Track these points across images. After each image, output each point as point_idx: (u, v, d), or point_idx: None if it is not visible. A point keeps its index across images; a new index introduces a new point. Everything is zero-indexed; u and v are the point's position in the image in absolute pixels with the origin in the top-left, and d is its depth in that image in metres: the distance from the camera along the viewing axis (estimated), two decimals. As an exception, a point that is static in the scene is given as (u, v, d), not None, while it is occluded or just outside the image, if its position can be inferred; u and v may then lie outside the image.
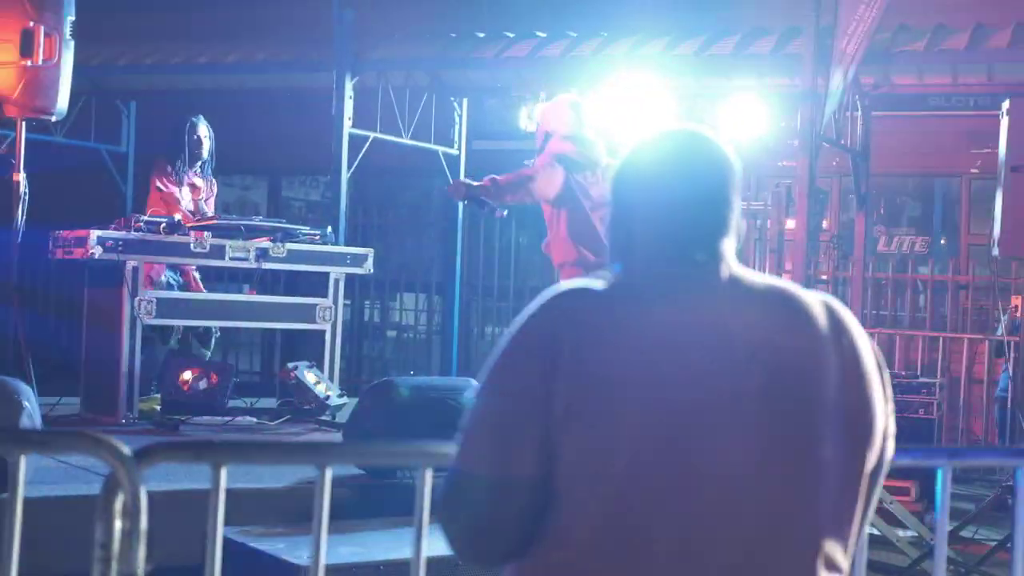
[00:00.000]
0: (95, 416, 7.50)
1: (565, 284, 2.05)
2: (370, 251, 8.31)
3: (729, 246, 2.10)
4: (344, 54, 10.70)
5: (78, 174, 12.77)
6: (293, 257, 7.94)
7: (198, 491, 5.13)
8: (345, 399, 7.79)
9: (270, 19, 12.33)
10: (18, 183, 7.51)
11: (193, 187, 8.23)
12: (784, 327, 2.02)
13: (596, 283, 2.05)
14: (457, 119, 12.16)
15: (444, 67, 11.21)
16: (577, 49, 10.37)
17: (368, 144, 10.83)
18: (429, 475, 2.43)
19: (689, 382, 1.94)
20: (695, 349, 1.96)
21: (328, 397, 7.69)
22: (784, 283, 2.10)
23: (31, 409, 5.13)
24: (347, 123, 10.63)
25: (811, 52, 9.14)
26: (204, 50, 12.10)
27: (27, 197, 7.50)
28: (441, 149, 11.89)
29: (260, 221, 7.95)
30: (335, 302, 8.11)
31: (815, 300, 2.07)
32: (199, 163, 8.29)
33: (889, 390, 2.13)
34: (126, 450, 2.28)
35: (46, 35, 7.31)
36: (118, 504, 2.28)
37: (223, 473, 2.34)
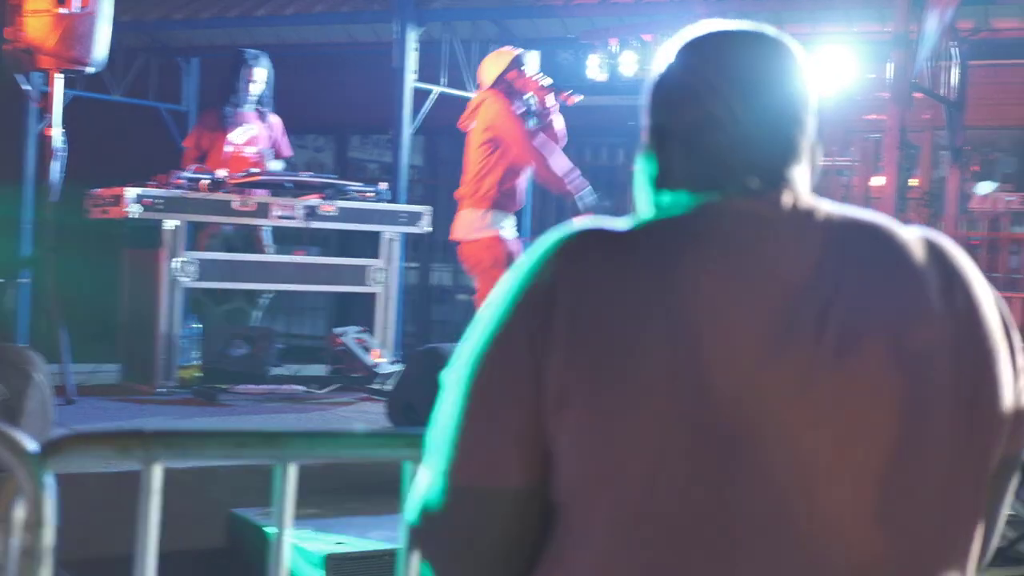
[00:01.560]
0: (132, 384, 7.09)
1: (574, 223, 1.52)
2: (427, 208, 7.79)
3: (800, 175, 1.55)
4: (406, 3, 10.16)
5: (137, 133, 12.46)
6: (344, 216, 7.45)
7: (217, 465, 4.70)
8: (398, 366, 7.30)
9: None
10: (50, 138, 7.08)
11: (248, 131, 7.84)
12: (872, 276, 1.46)
13: (615, 222, 1.51)
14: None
15: (511, 16, 10.62)
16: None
17: (434, 99, 10.29)
18: (423, 474, 1.92)
19: (734, 354, 1.39)
20: (744, 308, 1.41)
21: (378, 364, 7.21)
22: (874, 216, 1.53)
23: (40, 380, 4.69)
24: (410, 77, 10.09)
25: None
26: (263, 2, 11.63)
27: (65, 153, 7.08)
28: (511, 104, 11.35)
29: (309, 177, 7.46)
30: (388, 264, 7.61)
31: (916, 238, 1.51)
32: (251, 104, 7.87)
33: (1022, 358, 1.54)
34: (28, 445, 1.78)
35: (81, -21, 6.86)
36: (18, 513, 1.79)
37: (157, 472, 1.83)
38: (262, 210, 7.19)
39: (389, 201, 7.75)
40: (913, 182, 12.28)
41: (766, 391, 1.38)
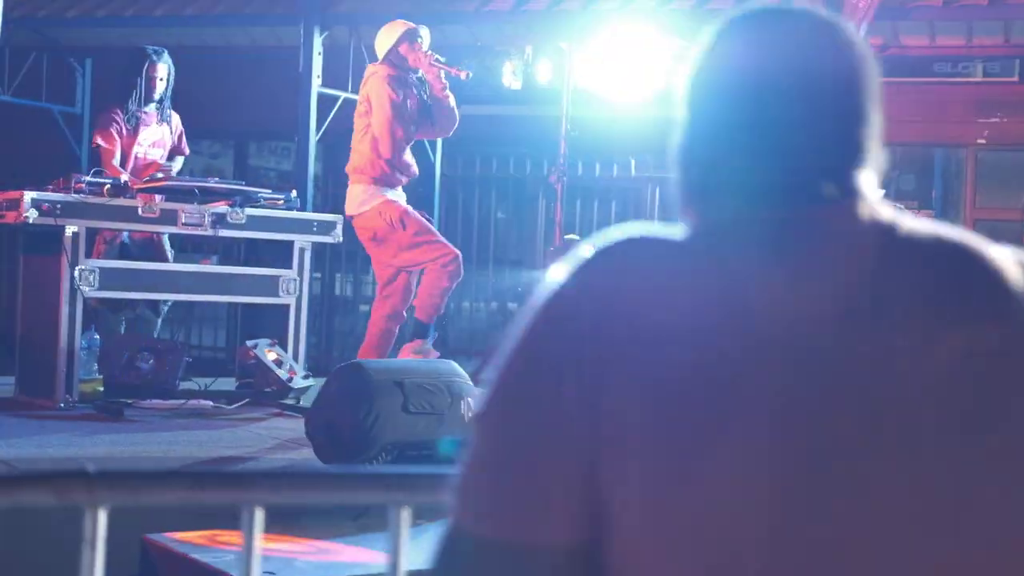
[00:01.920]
0: (31, 399, 6.75)
1: (614, 232, 1.32)
2: (339, 218, 7.54)
3: (870, 182, 1.36)
4: (311, 6, 9.89)
5: (28, 136, 12.01)
6: (253, 224, 7.17)
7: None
8: (311, 381, 7.04)
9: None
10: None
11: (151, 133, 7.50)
12: (968, 302, 1.29)
13: (663, 230, 1.32)
14: (434, 80, 11.40)
15: (419, 22, 10.38)
16: (565, 2, 9.59)
17: (339, 106, 10.03)
18: (406, 518, 1.70)
19: (824, 390, 1.21)
20: (831, 336, 1.23)
21: (291, 379, 6.95)
22: (961, 233, 1.35)
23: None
24: (316, 82, 9.83)
25: (820, 6, 8.41)
26: (160, 1, 11.27)
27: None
28: (417, 112, 11.11)
29: (217, 183, 7.15)
30: (300, 274, 7.35)
31: (1010, 260, 1.33)
32: (154, 104, 7.55)
33: None
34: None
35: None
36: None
37: (102, 518, 1.60)
38: (168, 217, 6.89)
39: (299, 209, 7.49)
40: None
41: (858, 435, 1.20)
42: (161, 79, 7.55)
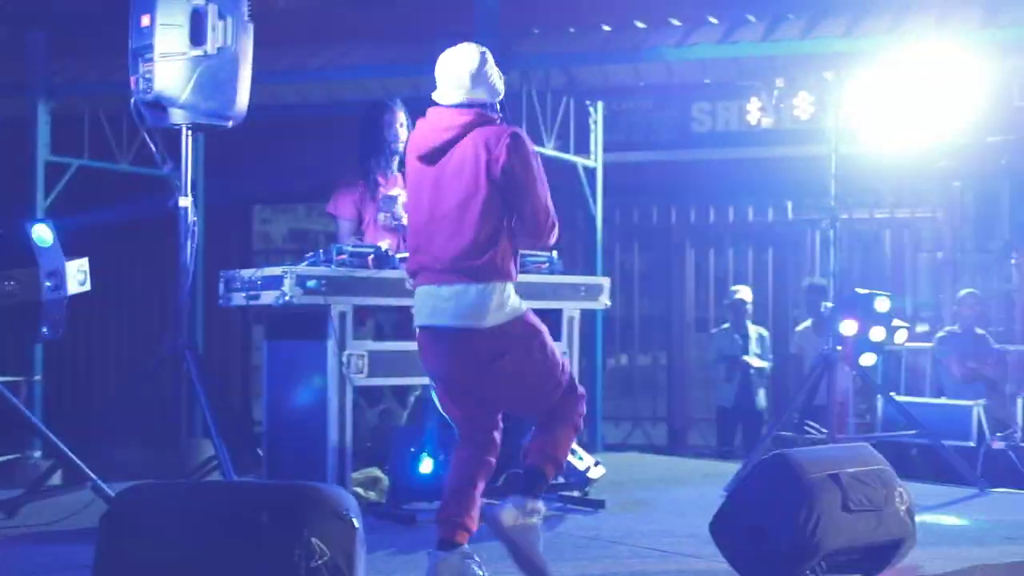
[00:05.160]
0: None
1: None
2: (606, 281, 6.62)
3: None
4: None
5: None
6: (520, 290, 6.22)
7: None
8: (602, 469, 6.12)
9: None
10: (185, 210, 5.84)
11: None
12: None
13: None
14: (592, 125, 10.53)
15: (680, 59, 9.30)
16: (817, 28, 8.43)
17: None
18: None
19: None
20: None
21: (588, 468, 6.02)
22: None
23: (362, 532, 3.46)
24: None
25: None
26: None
27: (196, 228, 5.86)
28: (580, 161, 10.22)
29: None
30: (571, 347, 6.42)
31: None
32: (396, 159, 6.50)
33: None
34: None
35: (219, 17, 5.69)
36: None
37: None
38: (437, 289, 5.96)
39: (561, 272, 6.51)
40: None
41: None
42: (404, 126, 6.51)
